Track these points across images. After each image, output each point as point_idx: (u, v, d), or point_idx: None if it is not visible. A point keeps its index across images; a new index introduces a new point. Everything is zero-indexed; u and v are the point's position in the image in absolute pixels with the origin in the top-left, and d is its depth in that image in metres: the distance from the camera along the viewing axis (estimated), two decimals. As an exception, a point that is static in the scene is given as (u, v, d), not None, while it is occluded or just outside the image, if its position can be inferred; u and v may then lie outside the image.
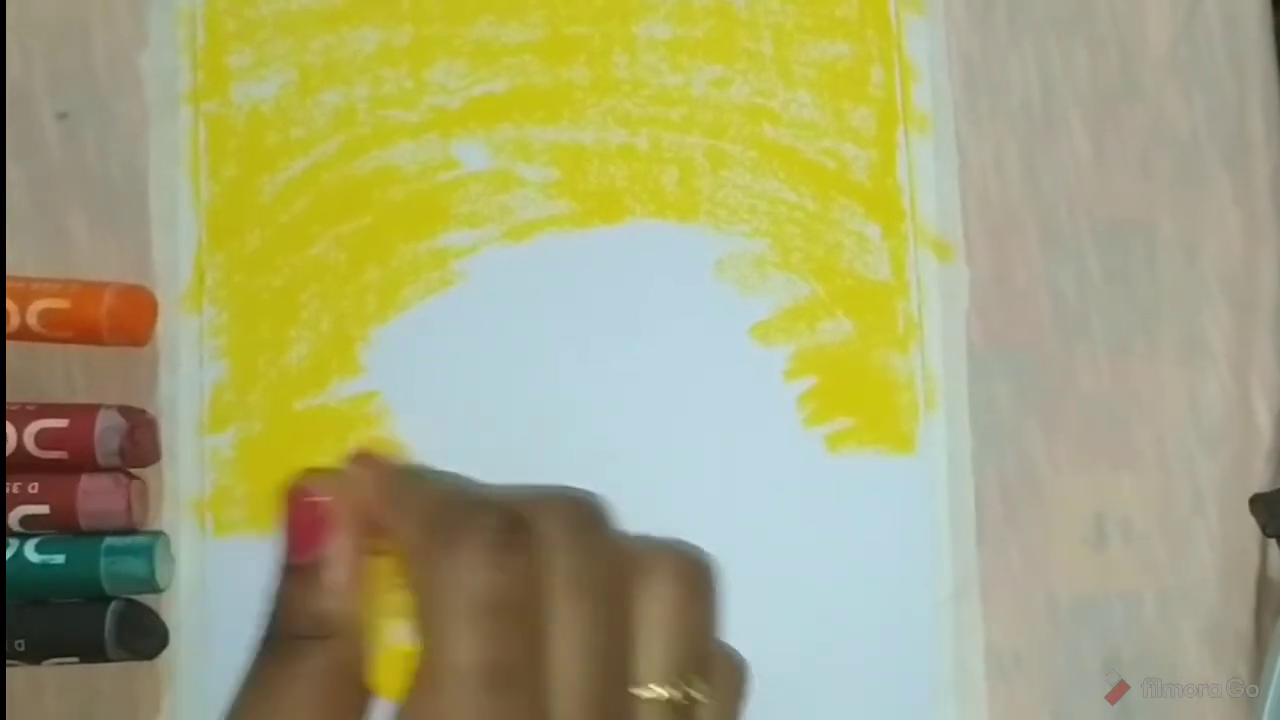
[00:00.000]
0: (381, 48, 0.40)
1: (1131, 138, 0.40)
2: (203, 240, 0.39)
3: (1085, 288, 0.39)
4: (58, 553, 0.36)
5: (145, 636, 0.37)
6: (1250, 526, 0.38)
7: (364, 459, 0.30)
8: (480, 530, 0.27)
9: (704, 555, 0.30)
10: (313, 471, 0.30)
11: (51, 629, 0.37)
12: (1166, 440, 0.39)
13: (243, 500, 0.38)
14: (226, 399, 0.39)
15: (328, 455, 0.38)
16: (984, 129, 0.40)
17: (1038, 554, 0.38)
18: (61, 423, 0.37)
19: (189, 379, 0.39)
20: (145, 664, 0.38)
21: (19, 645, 0.36)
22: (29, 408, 0.37)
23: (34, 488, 0.37)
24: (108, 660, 0.37)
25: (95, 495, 0.37)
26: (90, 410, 0.37)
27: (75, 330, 0.38)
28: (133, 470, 0.38)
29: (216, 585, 0.38)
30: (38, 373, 0.39)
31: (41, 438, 0.37)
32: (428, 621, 0.27)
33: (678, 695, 0.28)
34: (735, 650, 0.30)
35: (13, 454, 0.37)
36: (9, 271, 0.38)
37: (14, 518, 0.37)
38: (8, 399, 0.37)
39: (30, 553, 0.36)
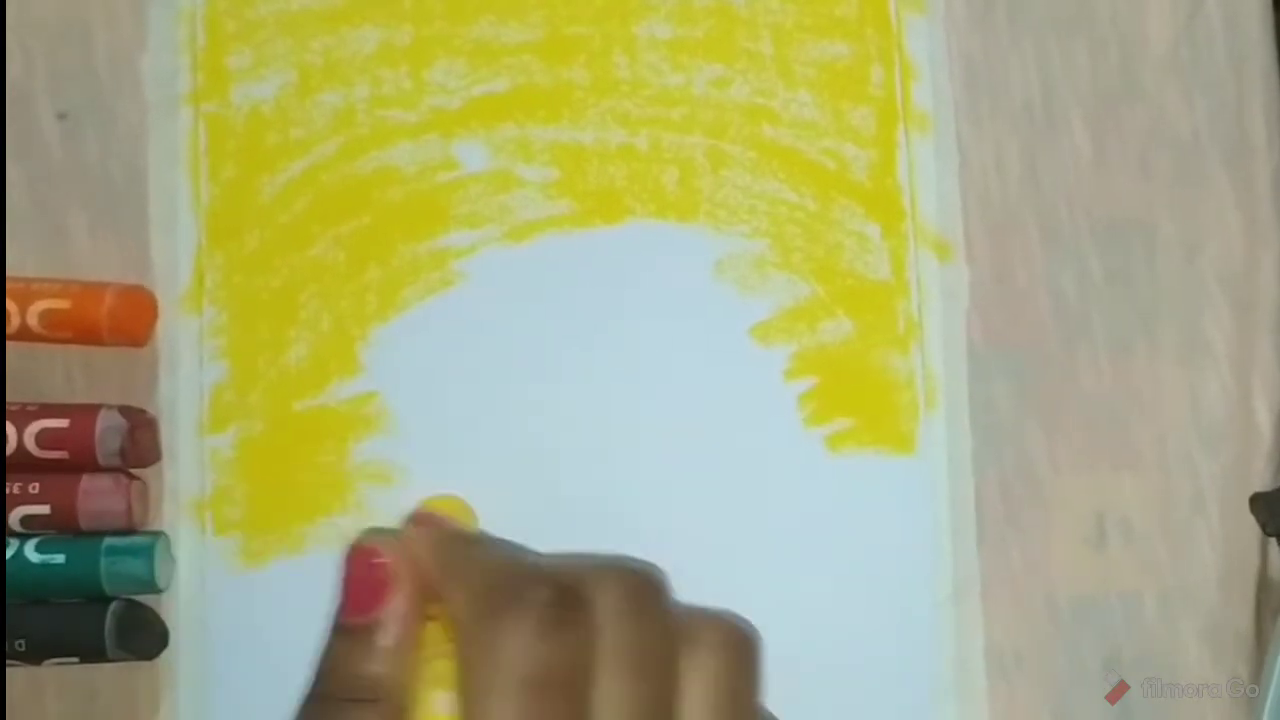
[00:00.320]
0: (381, 48, 0.40)
1: (1132, 138, 0.40)
2: (202, 241, 0.39)
3: (1086, 288, 0.39)
4: (58, 553, 0.36)
5: (145, 637, 0.37)
6: (1251, 526, 0.38)
7: (424, 520, 0.30)
8: (532, 603, 0.27)
9: (749, 627, 0.30)
10: (375, 532, 0.30)
11: (52, 629, 0.37)
12: (1167, 440, 0.39)
13: (243, 500, 0.38)
14: (226, 399, 0.39)
15: (328, 455, 0.38)
16: (984, 129, 0.40)
17: (1038, 554, 0.38)
18: (62, 423, 0.37)
19: (189, 379, 0.39)
20: (145, 664, 0.38)
21: (19, 645, 0.36)
22: (29, 408, 0.37)
23: (34, 488, 0.37)
24: (108, 660, 0.37)
25: (96, 495, 0.37)
26: (91, 410, 0.37)
27: (75, 331, 0.38)
28: (133, 470, 0.38)
29: (216, 585, 0.38)
30: (38, 373, 0.39)
31: (42, 438, 0.37)
32: (472, 693, 0.27)
33: None
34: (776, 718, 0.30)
35: (13, 454, 0.37)
36: (9, 272, 0.38)
37: (14, 518, 0.37)
38: (8, 399, 0.37)
39: (30, 553, 0.36)
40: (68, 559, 0.36)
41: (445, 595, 0.29)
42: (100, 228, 0.39)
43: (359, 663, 0.29)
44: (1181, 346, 0.39)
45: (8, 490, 0.37)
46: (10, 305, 0.37)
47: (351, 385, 0.39)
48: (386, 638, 0.29)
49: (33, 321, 0.37)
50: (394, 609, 0.29)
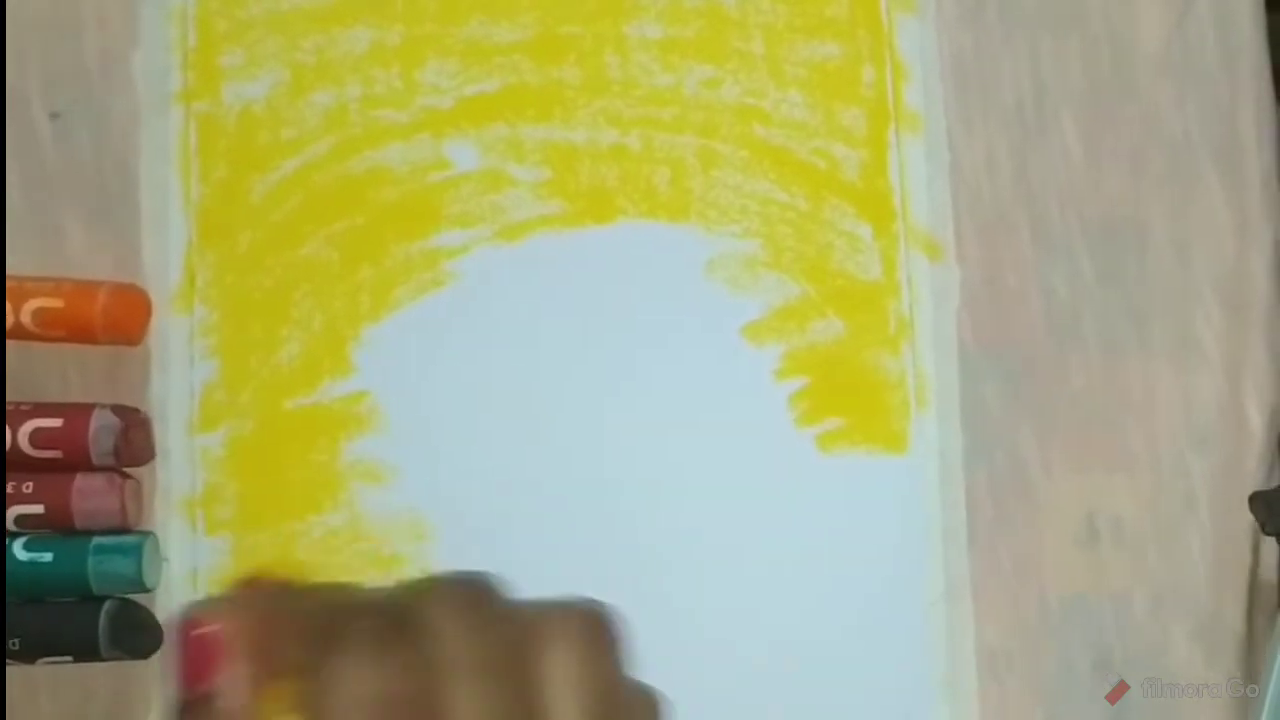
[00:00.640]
0: (373, 47, 0.40)
1: (1123, 137, 0.40)
2: (193, 240, 0.39)
3: (1077, 287, 0.39)
4: (45, 551, 0.36)
5: (139, 635, 0.37)
6: (1243, 526, 0.38)
7: (251, 583, 0.30)
8: (357, 632, 0.27)
9: (600, 605, 0.29)
10: (201, 602, 0.30)
11: (46, 628, 0.37)
12: (1158, 440, 0.39)
13: (233, 499, 0.38)
14: (217, 398, 0.39)
15: (319, 454, 0.38)
16: (975, 128, 0.40)
17: (1029, 554, 0.38)
18: (56, 422, 0.37)
19: (179, 378, 0.39)
20: (139, 663, 0.38)
21: (14, 645, 0.36)
22: (23, 407, 0.37)
23: (28, 487, 0.37)
24: (102, 659, 0.37)
25: (89, 494, 0.37)
26: (85, 410, 0.37)
27: (69, 329, 0.38)
28: (127, 469, 0.38)
29: (208, 583, 0.38)
30: (32, 372, 0.39)
31: (36, 437, 0.37)
32: None
33: None
34: (652, 688, 0.30)
35: (7, 453, 0.37)
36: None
37: (9, 517, 0.37)
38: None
39: (18, 551, 0.36)
40: (55, 557, 0.36)
41: (279, 650, 0.28)
42: (93, 227, 0.39)
43: None
44: (1173, 346, 0.39)
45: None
46: (5, 304, 0.38)
47: (343, 384, 0.39)
48: (227, 704, 0.28)
49: (27, 320, 0.37)
50: (229, 675, 0.29)
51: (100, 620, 0.36)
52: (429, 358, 0.39)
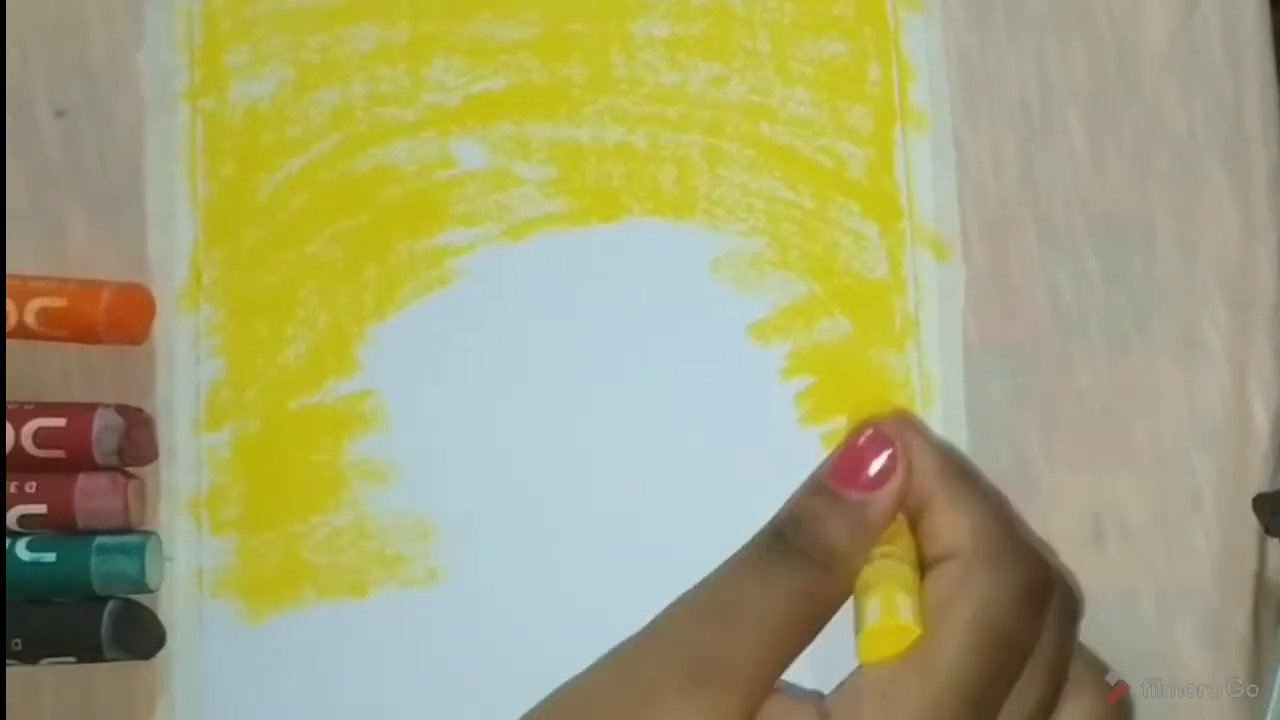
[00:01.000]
0: (379, 45, 0.40)
1: (1129, 136, 0.40)
2: (199, 238, 0.39)
3: (1082, 286, 0.39)
4: (48, 551, 0.36)
5: (142, 636, 0.37)
6: (1248, 526, 0.38)
7: (915, 428, 0.32)
8: (1025, 568, 0.29)
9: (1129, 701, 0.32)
10: (892, 423, 0.31)
11: (48, 628, 0.37)
12: (1163, 439, 0.39)
13: (239, 499, 0.38)
14: (223, 397, 0.39)
15: (324, 453, 0.38)
16: (981, 127, 0.40)
17: (1035, 552, 0.38)
18: (59, 422, 0.37)
19: (185, 377, 0.39)
20: (142, 663, 0.38)
21: (16, 645, 0.36)
22: (26, 407, 0.37)
23: (31, 487, 0.37)
24: (104, 660, 0.37)
25: (93, 494, 0.37)
26: (88, 409, 0.37)
27: (73, 329, 0.38)
28: (130, 469, 0.38)
29: (212, 584, 0.38)
30: (35, 372, 0.39)
31: (39, 437, 0.37)
32: (946, 619, 0.29)
33: None
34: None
35: (10, 453, 0.37)
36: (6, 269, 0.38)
37: (12, 517, 0.37)
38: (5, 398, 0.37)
39: (21, 551, 0.36)
40: (58, 557, 0.36)
41: (942, 513, 0.30)
42: (98, 225, 0.39)
43: (827, 527, 0.30)
44: (1178, 345, 0.39)
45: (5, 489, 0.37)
46: (8, 303, 0.37)
47: (349, 383, 0.39)
48: (870, 516, 0.30)
49: (30, 319, 0.37)
50: (884, 496, 0.30)
51: (103, 621, 0.36)
52: (435, 356, 0.39)
